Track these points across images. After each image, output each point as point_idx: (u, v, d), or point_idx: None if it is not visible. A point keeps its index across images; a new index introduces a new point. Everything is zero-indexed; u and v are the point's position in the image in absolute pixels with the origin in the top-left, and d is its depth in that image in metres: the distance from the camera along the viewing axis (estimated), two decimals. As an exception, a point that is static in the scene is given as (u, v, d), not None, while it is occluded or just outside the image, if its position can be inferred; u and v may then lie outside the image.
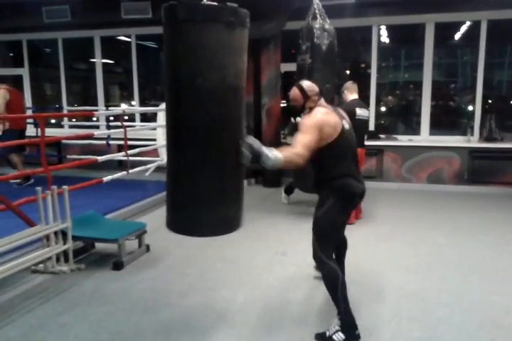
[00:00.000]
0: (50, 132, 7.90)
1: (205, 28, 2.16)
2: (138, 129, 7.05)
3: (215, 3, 2.20)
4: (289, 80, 6.84)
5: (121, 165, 7.11)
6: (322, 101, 2.70)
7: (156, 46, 8.68)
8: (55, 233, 3.50)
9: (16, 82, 8.86)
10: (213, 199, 2.34)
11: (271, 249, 4.06)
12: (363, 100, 5.23)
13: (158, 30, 7.33)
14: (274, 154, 2.30)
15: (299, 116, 2.90)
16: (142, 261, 3.82)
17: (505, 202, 5.94)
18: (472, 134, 6.74)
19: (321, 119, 2.50)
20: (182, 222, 2.43)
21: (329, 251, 2.61)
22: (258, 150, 2.29)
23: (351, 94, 4.94)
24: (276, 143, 6.94)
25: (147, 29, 7.49)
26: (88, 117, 8.38)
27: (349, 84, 5.01)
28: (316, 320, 2.78)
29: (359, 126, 4.86)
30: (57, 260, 3.55)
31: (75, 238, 3.62)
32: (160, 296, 3.13)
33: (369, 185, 6.41)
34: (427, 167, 6.71)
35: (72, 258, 3.61)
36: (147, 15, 6.75)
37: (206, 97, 2.21)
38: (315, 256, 2.64)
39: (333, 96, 4.98)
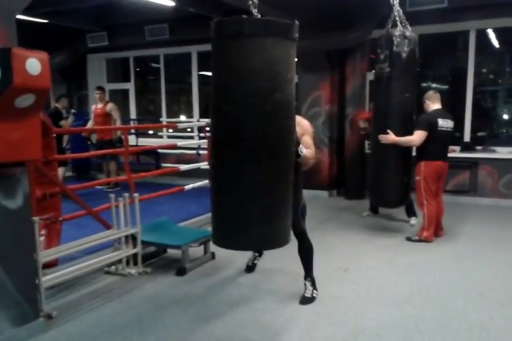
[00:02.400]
0: (149, 142, 8.58)
1: (277, 42, 2.17)
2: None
3: (282, 20, 2.22)
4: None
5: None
6: None
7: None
8: (126, 237, 3.78)
9: (124, 95, 9.75)
10: (284, 212, 2.39)
11: (333, 264, 3.95)
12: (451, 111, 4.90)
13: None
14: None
15: None
16: (205, 268, 3.95)
17: None
18: None
19: None
20: (252, 235, 2.44)
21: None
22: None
23: (433, 104, 4.65)
24: (361, 154, 6.75)
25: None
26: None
27: (431, 93, 4.72)
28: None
29: (442, 137, 4.57)
30: (127, 263, 3.81)
31: (144, 243, 3.86)
32: (210, 305, 3.21)
33: (460, 200, 6.04)
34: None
35: (141, 262, 3.86)
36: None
37: (281, 111, 2.27)
38: (302, 230, 3.17)
39: (413, 106, 4.73)
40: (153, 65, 9.85)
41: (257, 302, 3.24)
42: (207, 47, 8.32)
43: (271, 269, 3.89)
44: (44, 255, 3.08)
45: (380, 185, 4.91)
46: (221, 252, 4.16)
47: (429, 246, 4.49)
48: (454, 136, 5.46)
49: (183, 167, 5.73)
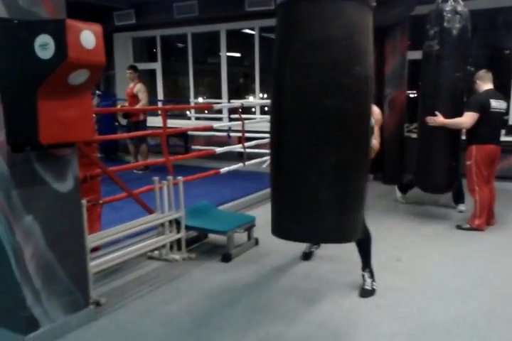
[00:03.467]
0: (177, 123, 8.40)
1: (358, 8, 1.93)
2: (256, 122, 7.10)
3: None
4: (417, 69, 6.33)
5: (240, 156, 7.24)
6: None
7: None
8: (170, 222, 3.64)
9: (150, 76, 9.56)
10: (358, 202, 2.19)
11: (384, 253, 3.76)
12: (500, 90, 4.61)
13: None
14: None
15: None
16: (250, 255, 3.81)
17: None
18: None
19: None
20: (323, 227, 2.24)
21: None
22: None
23: (485, 84, 4.36)
24: (400, 137, 6.50)
25: (270, 21, 7.51)
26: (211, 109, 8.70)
27: (482, 72, 4.42)
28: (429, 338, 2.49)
29: (495, 119, 4.30)
30: (171, 248, 3.69)
31: (187, 227, 3.72)
32: (263, 294, 3.07)
33: (507, 186, 5.77)
34: None
35: (185, 247, 3.73)
36: (270, 7, 6.71)
37: (360, 87, 2.04)
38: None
39: (463, 86, 4.45)
40: (179, 45, 9.63)
41: (311, 292, 3.09)
42: (236, 25, 8.04)
43: (321, 257, 3.72)
44: (90, 240, 2.96)
45: (426, 169, 4.68)
46: (265, 238, 4.03)
47: (482, 234, 4.27)
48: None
49: (219, 149, 5.57)
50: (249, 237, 3.96)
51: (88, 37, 2.14)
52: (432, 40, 4.46)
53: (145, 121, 7.09)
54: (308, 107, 2.03)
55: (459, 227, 4.44)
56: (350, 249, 3.10)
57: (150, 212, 3.74)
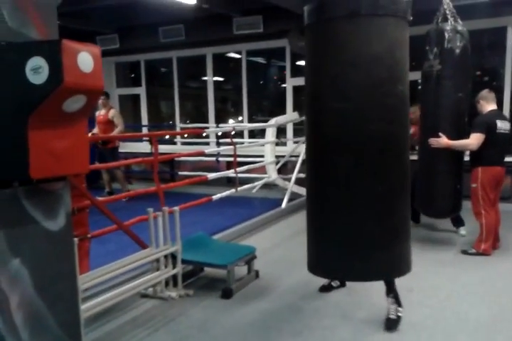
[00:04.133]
0: (163, 149, 8.16)
1: (397, 24, 1.85)
2: (247, 146, 6.95)
3: None
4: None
5: (229, 181, 7.03)
6: None
7: (264, 62, 8.65)
8: (165, 256, 3.39)
9: (134, 101, 9.37)
10: (405, 232, 2.03)
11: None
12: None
13: (268, 44, 7.21)
14: None
15: None
16: (252, 289, 3.56)
17: None
18: None
19: None
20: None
21: None
22: None
23: (489, 105, 4.29)
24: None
25: (256, 44, 7.49)
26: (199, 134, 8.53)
27: (485, 92, 4.36)
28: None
29: (501, 140, 4.21)
30: (166, 284, 3.42)
31: (184, 262, 3.47)
32: (272, 335, 2.82)
33: (502, 207, 5.65)
34: None
35: (181, 283, 3.47)
36: (258, 30, 6.65)
37: (403, 107, 1.89)
38: None
39: (466, 106, 4.37)
40: (163, 69, 9.51)
41: (324, 331, 2.85)
42: (222, 48, 7.90)
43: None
44: (82, 281, 2.69)
45: (429, 192, 4.54)
46: (265, 270, 3.80)
47: (488, 259, 4.12)
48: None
49: (211, 175, 5.36)
50: (250, 270, 3.72)
51: (86, 59, 1.93)
52: (432, 60, 4.38)
53: (119, 147, 7.05)
54: (350, 131, 1.87)
55: (464, 252, 4.28)
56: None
57: (143, 246, 3.48)
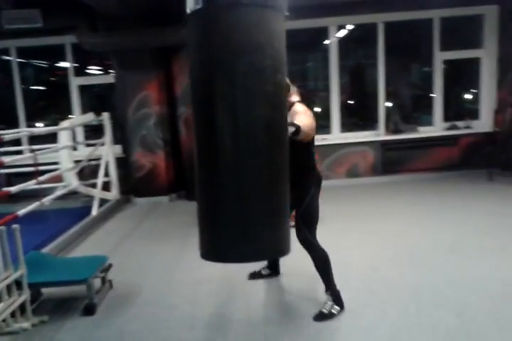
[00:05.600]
0: None
1: (275, 16, 1.96)
2: (50, 151, 6.19)
3: None
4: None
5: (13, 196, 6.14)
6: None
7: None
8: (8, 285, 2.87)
9: None
10: (285, 214, 2.19)
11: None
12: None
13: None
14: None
15: None
16: (112, 300, 3.31)
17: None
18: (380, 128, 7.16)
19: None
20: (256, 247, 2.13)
21: (315, 234, 2.85)
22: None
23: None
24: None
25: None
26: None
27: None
28: None
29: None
30: (12, 315, 2.91)
31: (31, 286, 3.00)
32: (168, 336, 2.73)
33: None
34: (344, 163, 7.02)
35: (27, 310, 3.00)
36: (35, 25, 5.96)
37: (281, 94, 2.01)
38: (303, 239, 2.79)
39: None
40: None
41: (215, 317, 2.90)
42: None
43: (192, 282, 3.52)
44: None
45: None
46: (116, 279, 3.59)
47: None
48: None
49: (14, 189, 4.63)
50: (104, 280, 3.45)
51: None
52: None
53: None
54: (236, 118, 1.97)
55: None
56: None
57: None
